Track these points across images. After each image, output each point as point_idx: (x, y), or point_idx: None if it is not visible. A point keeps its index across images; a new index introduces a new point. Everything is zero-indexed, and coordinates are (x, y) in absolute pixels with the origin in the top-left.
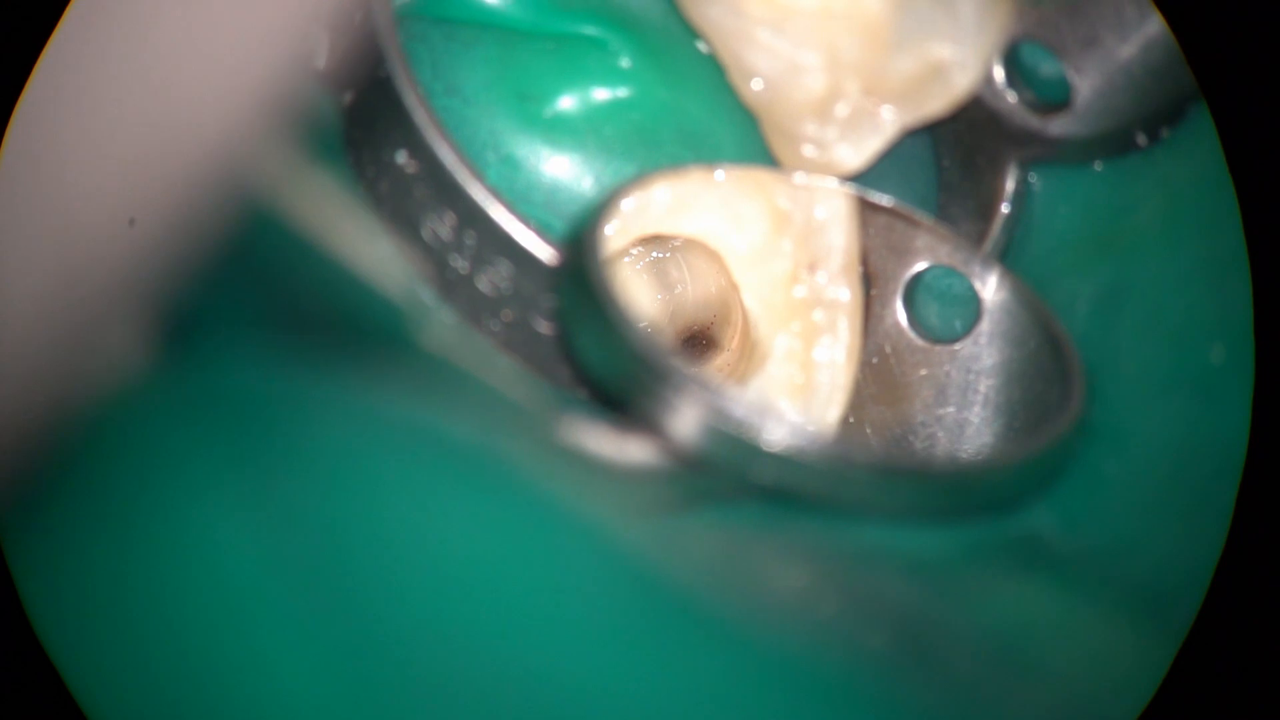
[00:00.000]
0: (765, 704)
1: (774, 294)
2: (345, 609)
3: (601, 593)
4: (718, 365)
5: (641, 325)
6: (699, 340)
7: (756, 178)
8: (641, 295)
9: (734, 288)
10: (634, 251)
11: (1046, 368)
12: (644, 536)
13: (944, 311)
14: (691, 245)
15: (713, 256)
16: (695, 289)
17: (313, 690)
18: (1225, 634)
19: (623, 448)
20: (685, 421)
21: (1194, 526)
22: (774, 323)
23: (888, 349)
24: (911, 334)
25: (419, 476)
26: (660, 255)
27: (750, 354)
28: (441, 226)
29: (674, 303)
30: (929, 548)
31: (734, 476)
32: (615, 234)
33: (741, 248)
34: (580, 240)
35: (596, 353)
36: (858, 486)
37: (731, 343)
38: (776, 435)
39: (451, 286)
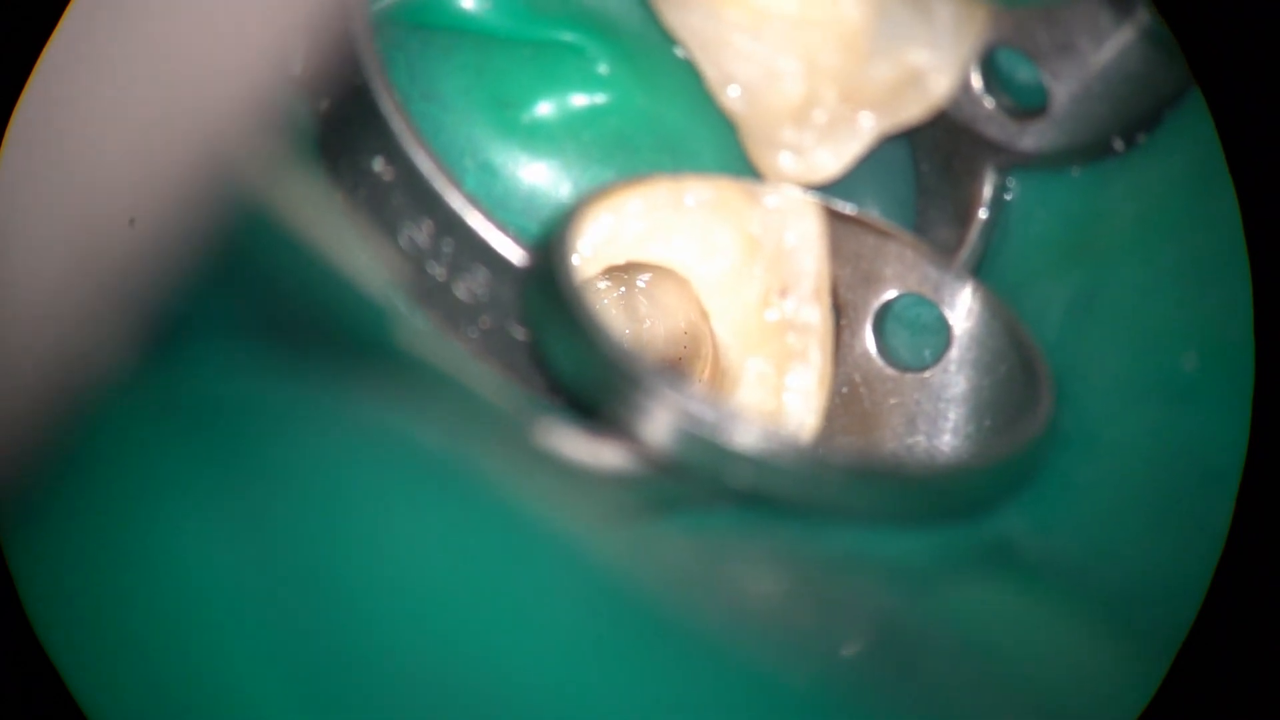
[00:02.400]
0: (738, 712)
1: (746, 319)
2: (316, 614)
3: (574, 601)
4: None
5: (610, 330)
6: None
7: (728, 200)
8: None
9: (704, 317)
10: (603, 283)
11: (1016, 390)
12: (617, 544)
13: (913, 340)
14: (660, 278)
15: (682, 286)
16: (664, 324)
17: (283, 693)
18: (1226, 649)
19: (595, 454)
20: (657, 426)
21: (1172, 535)
22: (746, 348)
23: (858, 378)
24: (881, 363)
25: (392, 483)
26: (627, 290)
27: (721, 384)
28: (419, 234)
29: (642, 337)
30: (901, 552)
31: (707, 481)
32: (586, 261)
33: (713, 274)
34: (549, 246)
35: (566, 358)
36: (830, 489)
37: (702, 375)
38: (748, 439)
39: (429, 294)
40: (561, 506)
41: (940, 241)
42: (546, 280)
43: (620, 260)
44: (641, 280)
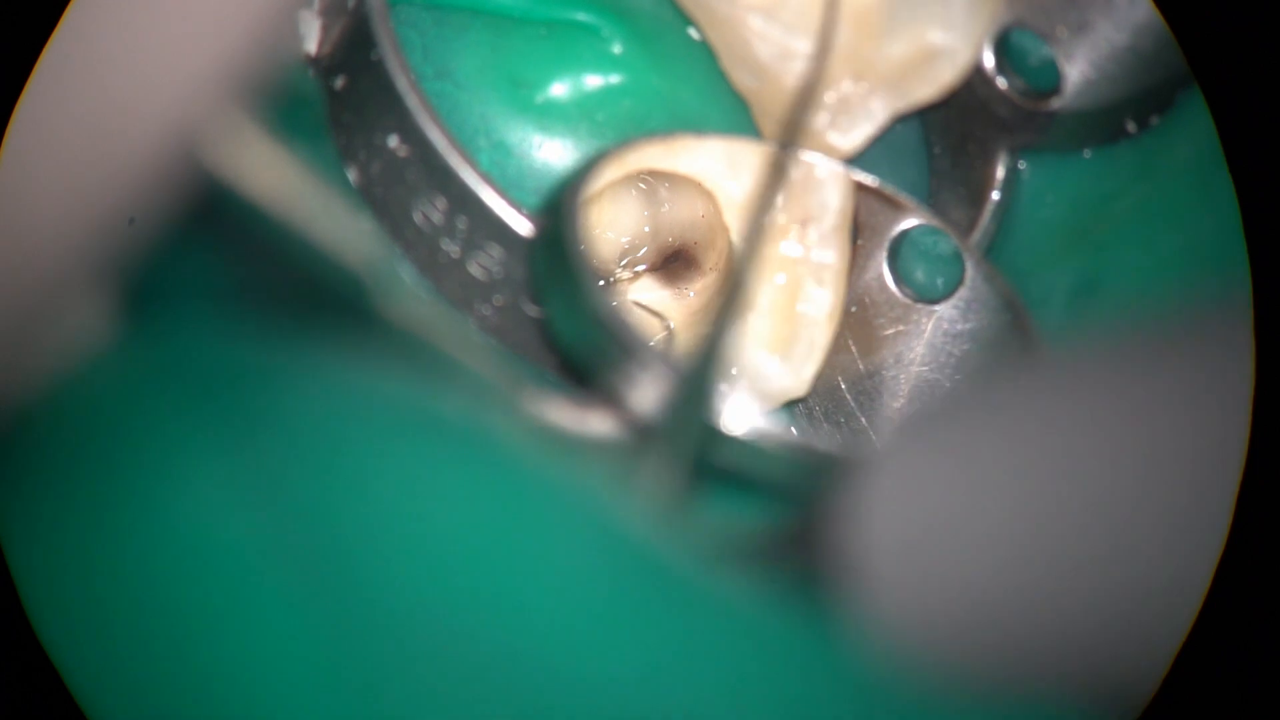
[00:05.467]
0: (740, 667)
1: (764, 246)
2: (331, 579)
3: (588, 562)
4: (698, 288)
5: (610, 299)
6: (681, 259)
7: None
8: (626, 210)
9: (725, 226)
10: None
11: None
12: (624, 508)
13: (929, 270)
14: (684, 179)
15: (706, 191)
16: (680, 210)
17: (301, 662)
18: (1227, 648)
19: (584, 423)
20: (646, 397)
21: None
22: (761, 274)
23: (867, 300)
24: (893, 289)
25: (394, 446)
26: (650, 179)
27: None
28: (433, 211)
29: (657, 220)
30: None
31: (693, 457)
32: (609, 168)
33: (737, 194)
34: (554, 208)
35: (562, 316)
36: (815, 475)
37: (715, 266)
38: (737, 420)
39: (443, 271)
40: (562, 470)
41: (952, 224)
42: (550, 243)
43: (644, 169)
44: (664, 173)
